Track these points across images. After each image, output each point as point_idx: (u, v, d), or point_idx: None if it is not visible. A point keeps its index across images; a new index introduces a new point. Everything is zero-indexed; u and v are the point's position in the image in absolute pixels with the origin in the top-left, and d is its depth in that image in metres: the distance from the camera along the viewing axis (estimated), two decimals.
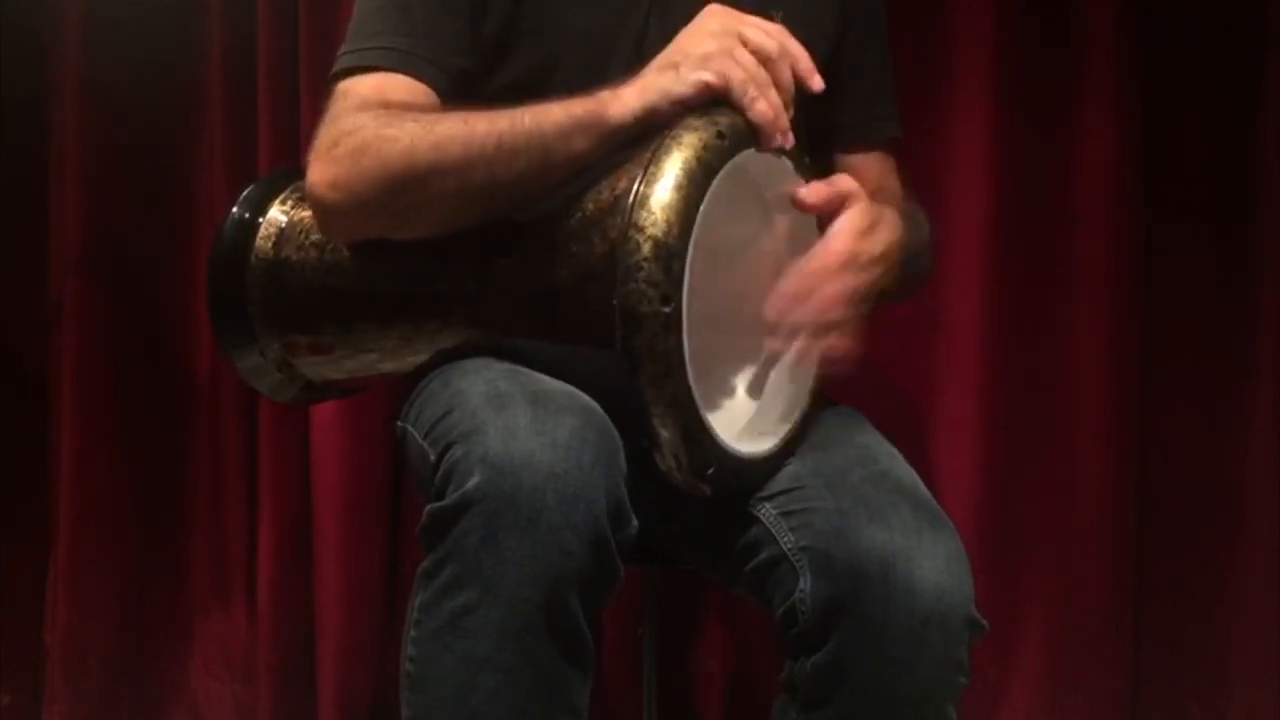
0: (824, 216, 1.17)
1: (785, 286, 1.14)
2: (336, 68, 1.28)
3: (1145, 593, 1.93)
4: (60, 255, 2.15)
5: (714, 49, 1.10)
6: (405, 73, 1.25)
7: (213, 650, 2.18)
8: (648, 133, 1.09)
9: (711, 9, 1.16)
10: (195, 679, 2.19)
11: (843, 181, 1.18)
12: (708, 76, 1.08)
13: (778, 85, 1.12)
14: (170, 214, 2.15)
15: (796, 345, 1.14)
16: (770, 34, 1.13)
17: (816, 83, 1.15)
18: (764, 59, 1.11)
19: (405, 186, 1.16)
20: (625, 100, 1.10)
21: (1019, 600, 1.93)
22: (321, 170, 1.21)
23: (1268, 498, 1.87)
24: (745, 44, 1.11)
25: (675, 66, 1.10)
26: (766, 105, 1.10)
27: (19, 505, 2.19)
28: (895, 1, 1.50)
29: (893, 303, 1.30)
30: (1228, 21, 1.88)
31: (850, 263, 1.15)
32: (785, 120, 1.11)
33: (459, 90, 1.27)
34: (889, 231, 1.20)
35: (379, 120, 1.19)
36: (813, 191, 1.16)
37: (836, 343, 1.16)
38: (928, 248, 1.42)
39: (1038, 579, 1.93)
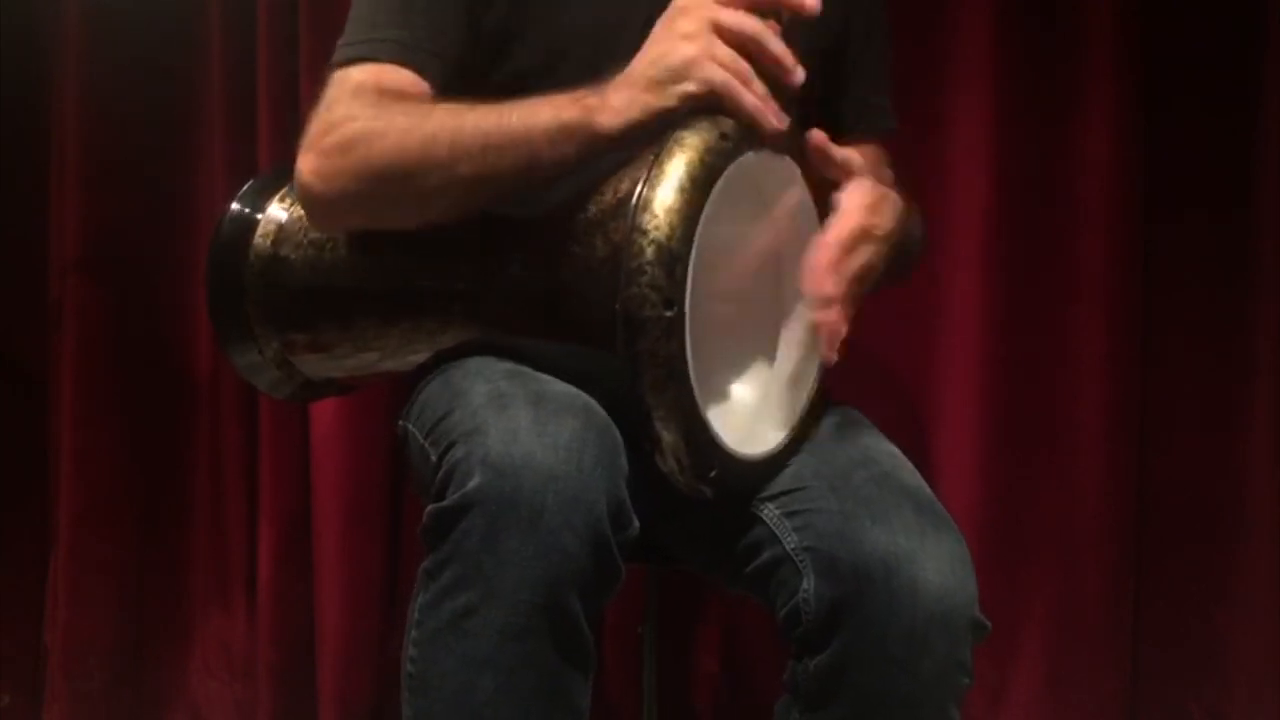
0: (828, 192, 1.18)
1: (817, 259, 1.14)
2: (335, 59, 1.28)
3: (1145, 592, 1.93)
4: (60, 255, 2.15)
5: (692, 53, 1.09)
6: (402, 64, 1.25)
7: (213, 650, 2.18)
8: (638, 140, 1.09)
9: (680, 3, 1.14)
10: (195, 679, 2.19)
11: (849, 153, 1.20)
12: (691, 88, 1.08)
13: (764, 57, 1.11)
14: (170, 214, 2.14)
15: (830, 315, 1.14)
16: (743, 7, 1.12)
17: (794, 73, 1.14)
18: (745, 40, 1.10)
19: (390, 181, 1.17)
20: (614, 110, 1.09)
21: (1019, 600, 1.93)
22: (310, 161, 1.23)
23: (1267, 497, 1.87)
24: (721, 32, 1.10)
25: (657, 82, 1.09)
26: (753, 98, 1.09)
27: (19, 505, 2.19)
28: (895, 4, 1.50)
29: (882, 287, 1.29)
30: (1228, 21, 1.88)
31: (863, 237, 1.16)
32: (774, 104, 1.11)
33: (456, 82, 1.27)
34: (892, 210, 1.21)
35: (370, 112, 1.21)
36: (826, 142, 1.17)
37: (836, 318, 1.16)
38: (919, 238, 1.42)
39: (1037, 578, 1.93)
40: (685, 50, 1.09)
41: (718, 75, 1.08)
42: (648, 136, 1.09)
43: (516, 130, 1.12)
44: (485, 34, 1.30)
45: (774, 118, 1.10)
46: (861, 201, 1.18)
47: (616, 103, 1.10)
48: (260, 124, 2.05)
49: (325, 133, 1.22)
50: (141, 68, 2.12)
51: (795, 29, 1.15)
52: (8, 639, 2.18)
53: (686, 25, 1.11)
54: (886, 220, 1.19)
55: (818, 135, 1.18)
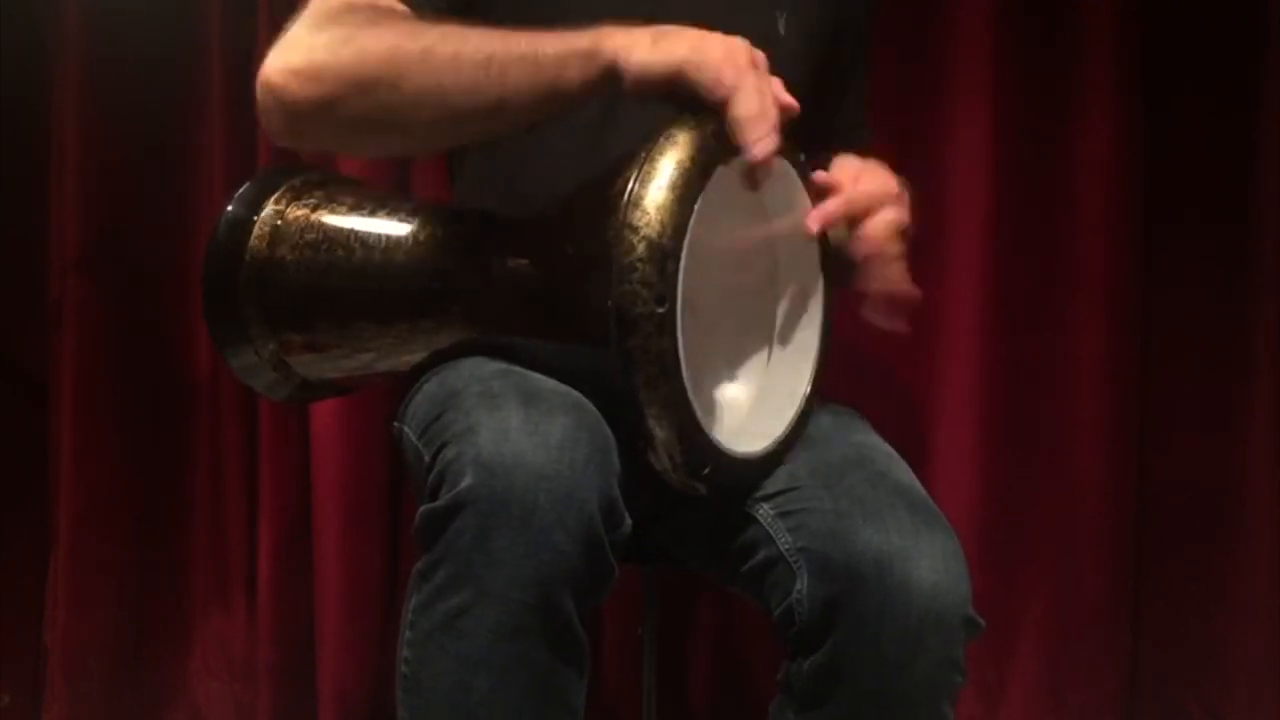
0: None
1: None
2: None
3: (1144, 592, 1.94)
4: (60, 255, 2.15)
5: (738, 64, 1.06)
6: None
7: (213, 650, 2.18)
8: (648, 88, 1.07)
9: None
10: (195, 679, 2.19)
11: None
12: (725, 79, 1.05)
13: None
14: (170, 214, 2.15)
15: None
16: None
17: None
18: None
19: (379, 89, 1.10)
20: (632, 45, 1.06)
21: (1018, 599, 1.93)
22: (289, 57, 1.13)
23: (1267, 497, 1.87)
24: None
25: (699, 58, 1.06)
26: (766, 137, 1.06)
27: (19, 505, 2.19)
28: (895, 2, 1.50)
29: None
30: (1228, 22, 1.88)
31: (890, 196, 1.19)
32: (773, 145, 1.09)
33: None
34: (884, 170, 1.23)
35: (362, 19, 1.13)
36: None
37: (900, 276, 1.18)
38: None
39: (1037, 578, 1.93)
40: (715, 51, 1.06)
41: (753, 105, 1.05)
42: (654, 91, 1.07)
43: (523, 51, 1.07)
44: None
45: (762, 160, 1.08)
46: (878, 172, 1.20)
47: (638, 40, 1.06)
48: (260, 123, 2.05)
49: (312, 31, 1.13)
50: (141, 67, 2.12)
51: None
52: (8, 639, 2.19)
53: (735, 46, 1.08)
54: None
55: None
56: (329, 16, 1.15)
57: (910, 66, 1.90)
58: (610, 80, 1.07)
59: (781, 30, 1.34)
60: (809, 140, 1.18)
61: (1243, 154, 1.88)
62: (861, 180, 1.19)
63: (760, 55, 1.08)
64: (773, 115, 1.06)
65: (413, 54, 1.09)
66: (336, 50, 1.12)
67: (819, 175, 1.19)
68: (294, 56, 1.13)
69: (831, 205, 1.16)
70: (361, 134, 1.17)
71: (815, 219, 1.16)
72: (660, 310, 1.01)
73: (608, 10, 1.25)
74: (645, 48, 1.06)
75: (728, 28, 1.11)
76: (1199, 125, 1.90)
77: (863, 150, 1.41)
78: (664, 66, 1.06)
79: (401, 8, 1.19)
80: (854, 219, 1.19)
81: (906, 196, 1.24)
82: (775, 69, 1.11)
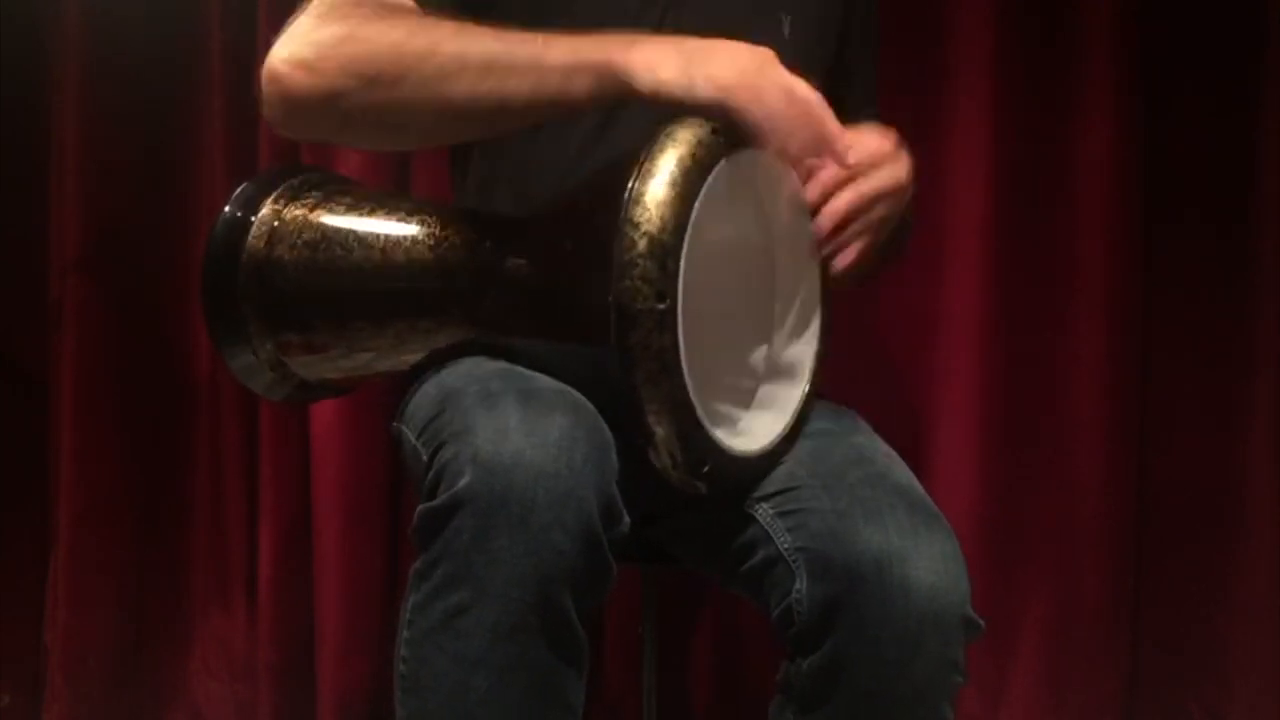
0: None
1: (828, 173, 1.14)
2: None
3: (1144, 592, 1.93)
4: (60, 255, 2.16)
5: (740, 79, 1.07)
6: None
7: (213, 650, 2.18)
8: (660, 105, 1.07)
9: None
10: (195, 679, 2.19)
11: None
12: (734, 101, 1.05)
13: None
14: (170, 214, 2.15)
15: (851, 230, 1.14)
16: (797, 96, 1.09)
17: (843, 150, 1.13)
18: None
19: (383, 82, 1.10)
20: (661, 67, 1.06)
21: (1018, 600, 1.93)
22: (293, 49, 1.14)
23: (1267, 497, 1.87)
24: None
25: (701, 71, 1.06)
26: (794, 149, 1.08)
27: (19, 505, 2.19)
28: (895, 2, 1.50)
29: (874, 269, 1.29)
30: (1228, 21, 1.88)
31: (886, 155, 1.17)
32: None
33: None
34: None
35: (368, 14, 1.14)
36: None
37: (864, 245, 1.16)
38: (909, 223, 1.41)
39: (1037, 578, 1.93)
40: (731, 71, 1.07)
41: (758, 109, 1.06)
42: (665, 108, 1.06)
43: (529, 55, 1.07)
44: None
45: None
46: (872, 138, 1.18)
47: (664, 56, 1.06)
48: (260, 124, 2.05)
49: (318, 23, 1.14)
50: (141, 67, 2.12)
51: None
52: (8, 639, 2.19)
53: (745, 59, 1.08)
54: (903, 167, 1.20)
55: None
56: (335, 9, 1.16)
57: (910, 66, 1.90)
58: (623, 94, 1.07)
59: (786, 32, 1.34)
60: None
61: (1243, 154, 1.88)
62: (858, 144, 1.17)
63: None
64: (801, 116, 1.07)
65: (415, 52, 1.10)
66: (340, 44, 1.12)
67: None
68: (298, 48, 1.14)
69: (828, 174, 1.15)
70: (361, 128, 1.18)
71: (815, 188, 1.15)
72: (661, 307, 1.01)
73: (620, 9, 1.25)
74: (675, 67, 1.06)
75: (734, 30, 1.11)
76: (1199, 125, 1.90)
77: None
78: (706, 95, 1.06)
79: (409, 3, 1.19)
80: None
81: (905, 155, 1.22)
82: None
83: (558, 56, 1.07)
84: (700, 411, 1.08)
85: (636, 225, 1.01)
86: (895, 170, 1.19)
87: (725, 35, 1.10)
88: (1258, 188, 1.88)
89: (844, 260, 1.16)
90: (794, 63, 1.13)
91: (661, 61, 1.06)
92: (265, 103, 1.18)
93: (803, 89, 1.08)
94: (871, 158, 1.17)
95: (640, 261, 1.00)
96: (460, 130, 1.16)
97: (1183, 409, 1.93)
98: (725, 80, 1.06)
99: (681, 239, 1.02)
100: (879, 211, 1.17)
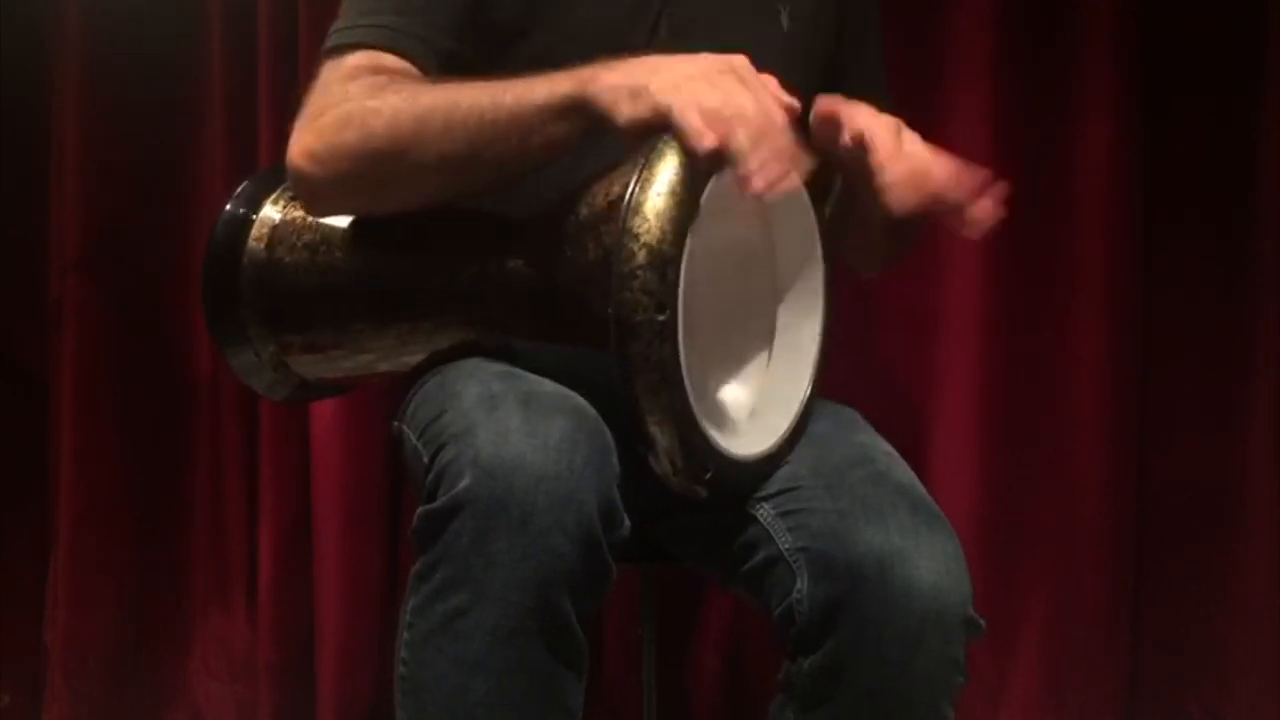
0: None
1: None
2: (328, 44, 1.27)
3: (1144, 592, 1.93)
4: (60, 255, 2.16)
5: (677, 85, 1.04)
6: (396, 51, 1.24)
7: (213, 650, 2.18)
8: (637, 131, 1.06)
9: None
10: (195, 679, 2.19)
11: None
12: (708, 142, 1.02)
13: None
14: (170, 214, 2.14)
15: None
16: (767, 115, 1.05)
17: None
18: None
19: (385, 160, 1.16)
20: (616, 96, 1.06)
21: (1018, 600, 1.93)
22: (303, 142, 1.20)
23: (1267, 497, 1.87)
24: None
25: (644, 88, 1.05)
26: (755, 163, 1.03)
27: (19, 505, 2.19)
28: (895, 1, 1.50)
29: (886, 260, 1.28)
30: (1228, 22, 1.88)
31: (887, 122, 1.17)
32: (774, 169, 1.05)
33: (450, 72, 1.24)
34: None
35: (364, 91, 1.19)
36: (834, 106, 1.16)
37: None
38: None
39: (1037, 578, 1.93)
40: (669, 80, 1.05)
41: (689, 112, 1.03)
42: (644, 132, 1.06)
43: (511, 107, 1.10)
44: (492, 28, 1.28)
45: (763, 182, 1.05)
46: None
47: (618, 92, 1.06)
48: (260, 124, 2.06)
49: (319, 114, 1.20)
50: (141, 67, 2.12)
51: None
52: (8, 639, 2.19)
53: (698, 66, 1.07)
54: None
55: (824, 102, 1.15)
56: (335, 90, 1.21)
57: (910, 66, 1.90)
58: (601, 124, 1.08)
59: (785, 25, 1.34)
60: None
61: (1243, 154, 1.88)
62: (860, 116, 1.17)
63: (742, 67, 1.07)
64: (775, 137, 1.03)
65: (409, 128, 1.14)
66: (341, 130, 1.18)
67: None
68: (307, 139, 1.20)
69: (825, 102, 1.15)
70: (376, 201, 1.23)
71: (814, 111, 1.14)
72: (661, 318, 1.01)
73: (618, 8, 1.26)
74: (626, 101, 1.05)
75: (733, 24, 1.11)
76: (1199, 125, 1.90)
77: None
78: (647, 122, 1.05)
79: (404, 65, 1.23)
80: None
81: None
82: (781, 62, 1.11)
83: (535, 101, 1.10)
84: (701, 419, 1.08)
85: (636, 236, 1.01)
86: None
87: (723, 28, 1.10)
88: (1258, 188, 1.87)
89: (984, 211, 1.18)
90: (794, 53, 1.12)
91: (616, 91, 1.06)
92: (295, 189, 1.28)
93: (762, 95, 1.06)
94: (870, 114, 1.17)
95: (640, 273, 1.00)
96: (468, 186, 1.18)
97: (1183, 409, 1.92)
98: (659, 101, 1.04)
99: (681, 249, 1.02)
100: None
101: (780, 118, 1.04)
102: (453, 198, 1.18)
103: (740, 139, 1.01)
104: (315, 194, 1.24)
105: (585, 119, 1.08)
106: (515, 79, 1.11)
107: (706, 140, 1.01)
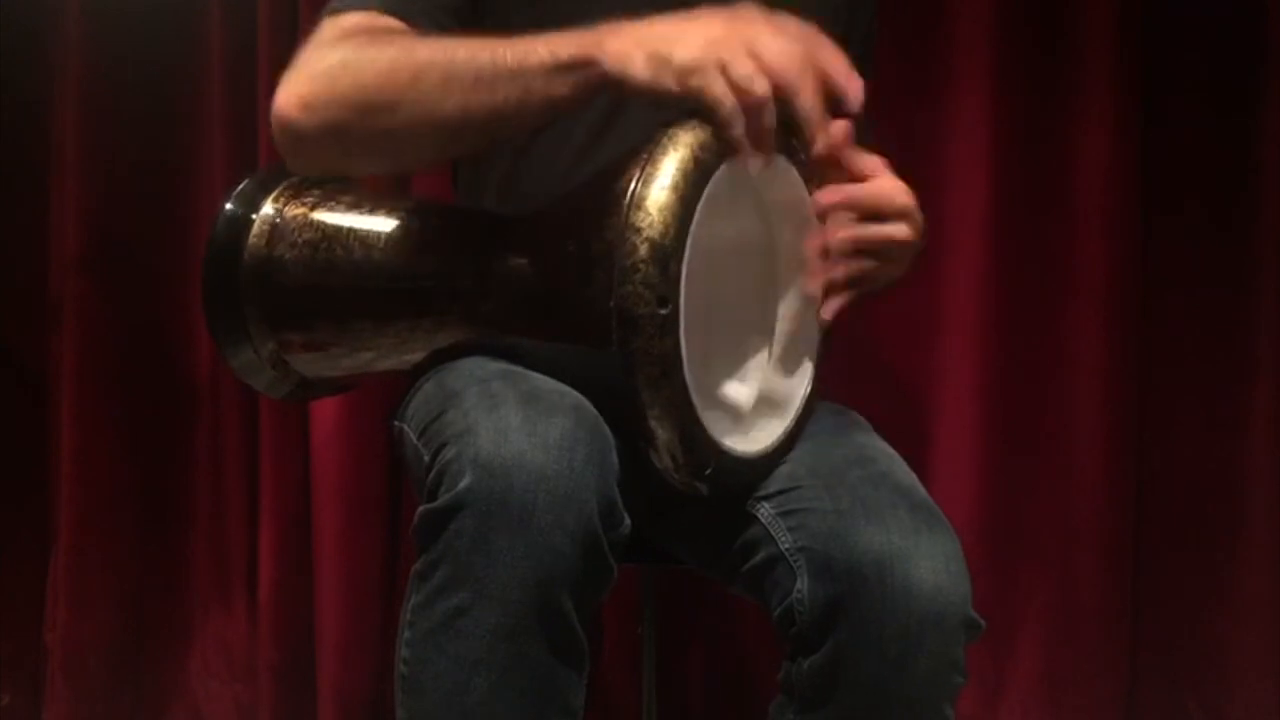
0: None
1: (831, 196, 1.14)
2: (329, 7, 1.25)
3: (1144, 592, 1.94)
4: (60, 255, 2.15)
5: (697, 56, 1.03)
6: (397, 16, 1.22)
7: (213, 650, 2.18)
8: (637, 92, 1.05)
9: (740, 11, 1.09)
10: (195, 679, 2.19)
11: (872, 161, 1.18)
12: (692, 82, 1.02)
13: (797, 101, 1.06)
14: (170, 214, 2.14)
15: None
16: (788, 55, 1.04)
17: (854, 92, 1.09)
18: (778, 81, 1.05)
19: (378, 111, 1.12)
20: (614, 55, 1.05)
21: (1018, 600, 1.93)
22: (294, 87, 1.17)
23: (1267, 498, 1.87)
24: (757, 60, 1.03)
25: (660, 58, 1.04)
26: (740, 132, 1.04)
27: (19, 505, 2.19)
28: (896, 2, 1.50)
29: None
30: (1228, 22, 1.88)
31: (896, 208, 1.17)
32: (769, 141, 1.07)
33: None
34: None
35: (360, 42, 1.17)
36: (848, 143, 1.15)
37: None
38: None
39: (1036, 578, 1.93)
40: (694, 51, 1.04)
41: (717, 88, 1.03)
42: (643, 99, 1.05)
43: (510, 64, 1.08)
44: (484, 20, 1.27)
45: (756, 157, 1.06)
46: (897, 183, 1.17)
47: (628, 49, 1.05)
48: (260, 123, 2.05)
49: (313, 62, 1.17)
50: (141, 67, 2.12)
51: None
52: (8, 639, 2.19)
53: (718, 30, 1.05)
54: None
55: (839, 128, 1.13)
56: (331, 44, 1.18)
57: (910, 67, 1.90)
58: (607, 87, 1.06)
59: None
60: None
61: (1243, 154, 1.89)
62: (877, 179, 1.18)
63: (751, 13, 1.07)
64: (755, 92, 1.03)
65: (406, 75, 1.11)
66: (334, 77, 1.14)
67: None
68: (296, 85, 1.17)
69: (828, 196, 1.15)
70: (365, 156, 1.20)
71: (817, 207, 1.14)
72: (663, 312, 1.01)
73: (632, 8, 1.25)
74: (642, 58, 1.04)
75: None
76: (1199, 125, 1.90)
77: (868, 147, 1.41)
78: (668, 87, 1.04)
79: (401, 25, 1.21)
80: (860, 212, 1.18)
81: (920, 217, 1.21)
82: None
83: (539, 59, 1.07)
84: (701, 414, 1.08)
85: (638, 230, 1.01)
86: (907, 227, 1.19)
87: None
88: (1257, 189, 1.88)
89: (827, 311, 1.17)
90: None
91: (630, 53, 1.05)
92: (275, 140, 1.22)
93: (783, 38, 1.05)
94: (881, 198, 1.17)
95: (642, 266, 1.00)
96: (460, 145, 1.16)
97: (1182, 409, 1.93)
98: (687, 62, 1.04)
99: (683, 243, 1.02)
100: (883, 264, 1.18)
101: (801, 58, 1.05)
102: (441, 157, 1.16)
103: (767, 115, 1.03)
104: (300, 144, 1.19)
105: (589, 81, 1.06)
106: (516, 38, 1.09)
107: (737, 128, 1.03)
